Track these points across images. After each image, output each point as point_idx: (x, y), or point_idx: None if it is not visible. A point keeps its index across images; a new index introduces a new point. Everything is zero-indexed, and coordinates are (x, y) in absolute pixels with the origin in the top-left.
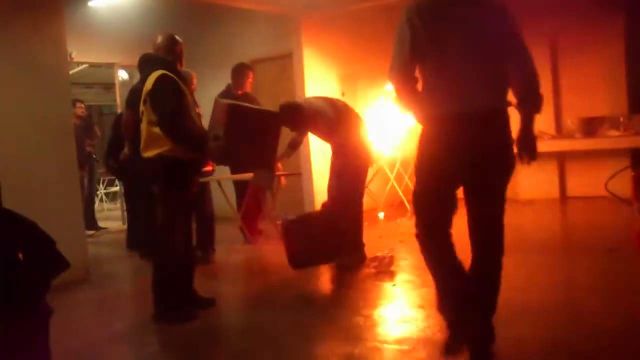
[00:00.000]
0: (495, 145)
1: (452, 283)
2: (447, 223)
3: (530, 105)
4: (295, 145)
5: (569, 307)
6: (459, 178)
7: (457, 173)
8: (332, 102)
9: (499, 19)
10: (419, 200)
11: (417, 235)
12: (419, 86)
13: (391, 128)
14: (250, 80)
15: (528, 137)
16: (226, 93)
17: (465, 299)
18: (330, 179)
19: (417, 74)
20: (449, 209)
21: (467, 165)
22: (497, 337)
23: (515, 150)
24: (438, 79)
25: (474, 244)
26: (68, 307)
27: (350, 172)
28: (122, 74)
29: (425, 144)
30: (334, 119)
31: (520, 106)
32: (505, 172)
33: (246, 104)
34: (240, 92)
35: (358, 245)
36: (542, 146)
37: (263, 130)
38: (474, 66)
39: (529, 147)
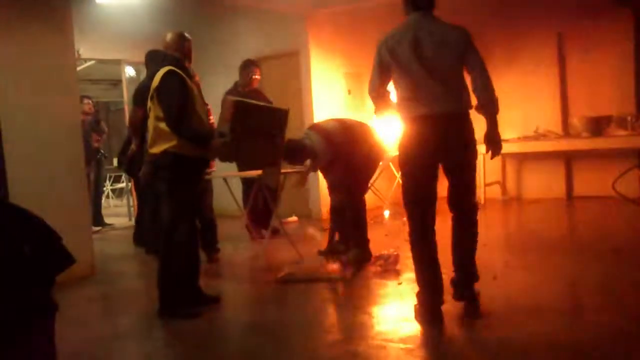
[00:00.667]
0: (456, 137)
1: (431, 257)
2: (433, 199)
3: (489, 108)
4: (310, 170)
5: (574, 307)
6: (434, 162)
7: (431, 159)
8: (339, 125)
9: (458, 37)
10: (403, 186)
11: (405, 205)
12: (393, 96)
13: (397, 126)
14: (257, 77)
15: (493, 133)
16: (233, 90)
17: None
18: (334, 179)
19: (391, 87)
20: (431, 187)
21: (437, 152)
22: (504, 339)
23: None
24: (404, 90)
25: (452, 209)
26: (73, 303)
27: (356, 174)
28: (129, 71)
29: (405, 138)
30: (330, 155)
31: (482, 109)
32: (467, 156)
33: (253, 101)
34: (246, 89)
35: (362, 242)
36: (549, 145)
37: (269, 127)
38: (432, 78)
39: (494, 142)
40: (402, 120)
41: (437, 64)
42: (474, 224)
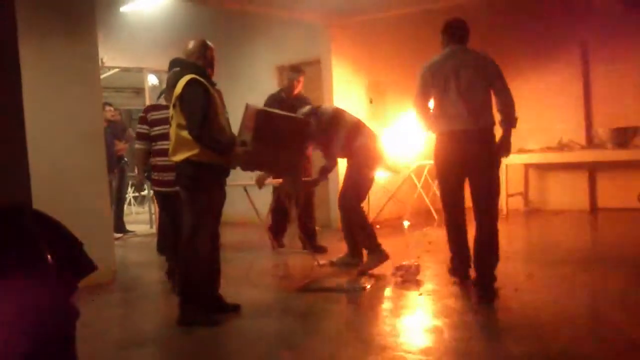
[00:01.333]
0: (482, 150)
1: (460, 238)
2: (461, 199)
3: (508, 124)
4: (325, 172)
5: (596, 320)
6: (462, 171)
7: (460, 168)
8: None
9: (487, 66)
10: (442, 185)
11: (443, 208)
12: (431, 113)
13: (418, 137)
14: (299, 83)
15: (506, 142)
16: (277, 96)
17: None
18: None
19: (431, 103)
20: (460, 190)
21: (465, 163)
22: (525, 353)
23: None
24: (441, 108)
25: (477, 214)
26: (95, 309)
27: (354, 181)
28: (152, 79)
29: (437, 150)
30: (348, 132)
31: (502, 124)
32: (491, 166)
33: (275, 110)
34: (289, 95)
35: (374, 246)
36: (572, 156)
37: (291, 136)
38: (465, 99)
39: (505, 148)
40: (437, 133)
41: (470, 89)
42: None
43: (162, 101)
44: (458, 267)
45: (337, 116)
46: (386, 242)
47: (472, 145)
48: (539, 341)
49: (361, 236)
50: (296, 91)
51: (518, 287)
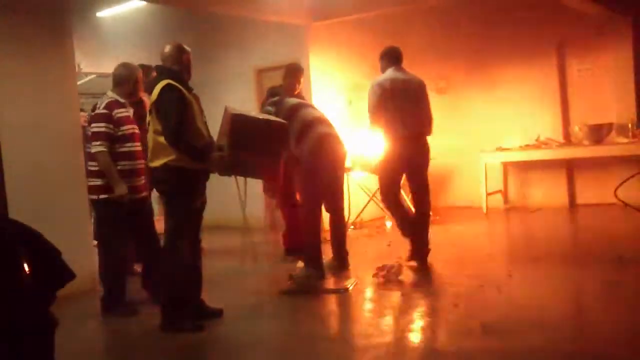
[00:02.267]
0: (421, 151)
1: (406, 218)
2: (398, 190)
3: (429, 132)
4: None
5: (577, 317)
6: (404, 169)
7: (403, 166)
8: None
9: (421, 85)
10: (384, 181)
11: (383, 200)
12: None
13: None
14: (299, 83)
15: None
16: (272, 96)
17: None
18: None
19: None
20: (399, 183)
21: (407, 162)
22: (507, 350)
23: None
24: (391, 118)
25: (415, 203)
26: (74, 317)
27: (302, 185)
28: None
29: (391, 151)
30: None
31: (426, 133)
32: (427, 163)
33: (252, 114)
34: (289, 95)
35: (312, 261)
36: (550, 154)
37: (268, 139)
38: (408, 111)
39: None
40: (392, 138)
41: (414, 102)
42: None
43: (118, 97)
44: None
45: (294, 110)
46: (368, 243)
47: (415, 147)
48: (523, 338)
49: (305, 243)
50: (297, 91)
51: (500, 285)
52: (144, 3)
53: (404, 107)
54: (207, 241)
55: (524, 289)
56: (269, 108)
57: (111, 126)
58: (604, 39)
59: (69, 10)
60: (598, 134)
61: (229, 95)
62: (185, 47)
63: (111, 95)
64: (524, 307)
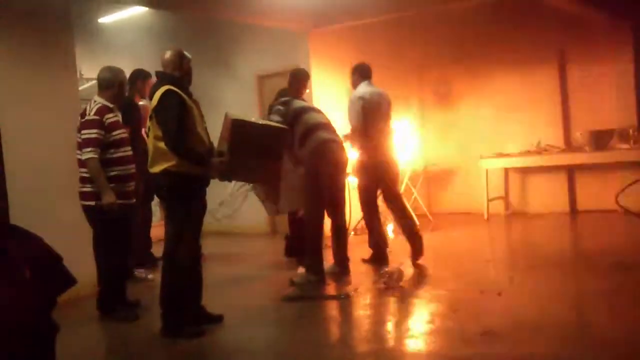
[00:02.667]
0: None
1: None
2: (376, 198)
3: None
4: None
5: (576, 322)
6: (380, 180)
7: (379, 177)
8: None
9: (390, 102)
10: (373, 185)
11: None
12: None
13: (400, 142)
14: (306, 87)
15: None
16: (282, 97)
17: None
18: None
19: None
20: (376, 191)
21: (384, 173)
22: (503, 355)
23: None
24: (375, 128)
25: (391, 207)
26: (75, 323)
27: (306, 190)
28: None
29: (372, 159)
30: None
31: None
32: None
33: (252, 119)
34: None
35: (313, 267)
36: (551, 160)
37: (268, 145)
38: (386, 123)
39: None
40: (372, 147)
41: (387, 115)
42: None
43: (105, 101)
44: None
45: (299, 113)
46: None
47: (390, 157)
48: (523, 344)
49: (307, 248)
50: (303, 95)
51: (501, 292)
52: (146, 9)
53: (379, 120)
54: (210, 246)
55: (524, 294)
56: (279, 107)
57: (102, 132)
58: (604, 45)
59: (71, 16)
60: (599, 140)
61: (231, 101)
62: (186, 53)
63: (99, 100)
64: (524, 313)
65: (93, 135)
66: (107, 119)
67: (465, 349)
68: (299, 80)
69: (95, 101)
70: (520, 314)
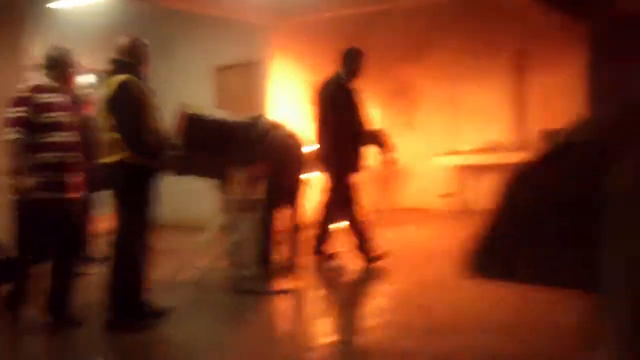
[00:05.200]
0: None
1: None
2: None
3: None
4: None
5: (520, 319)
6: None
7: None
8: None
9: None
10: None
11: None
12: None
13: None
14: (361, 67)
15: None
16: (335, 82)
17: None
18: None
19: None
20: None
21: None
22: (454, 348)
23: None
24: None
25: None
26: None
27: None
28: (88, 78)
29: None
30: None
31: None
32: None
33: (209, 114)
34: (350, 81)
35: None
36: (504, 158)
37: (223, 141)
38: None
39: None
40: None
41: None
42: None
43: (47, 81)
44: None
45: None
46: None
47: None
48: (465, 339)
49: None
50: (358, 75)
51: (445, 287)
52: None
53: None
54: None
55: (469, 291)
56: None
57: (31, 111)
58: (560, 46)
59: (21, 2)
60: (552, 138)
61: (189, 92)
62: (143, 40)
63: (38, 79)
64: (468, 309)
65: (18, 115)
66: (41, 98)
67: (408, 342)
68: (354, 59)
69: (32, 80)
70: (463, 309)
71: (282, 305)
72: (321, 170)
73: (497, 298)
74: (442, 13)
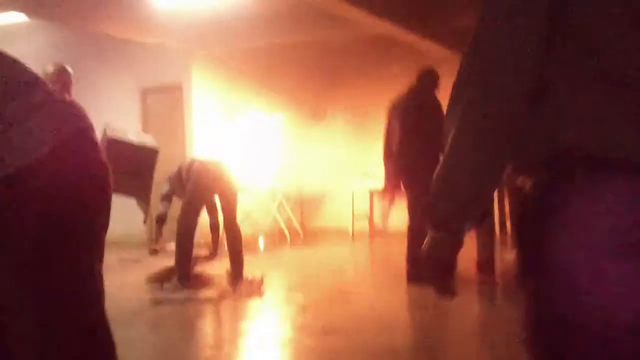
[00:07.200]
0: None
1: None
2: None
3: None
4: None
5: (405, 320)
6: None
7: None
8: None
9: None
10: None
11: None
12: None
13: (272, 159)
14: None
15: None
16: (410, 99)
17: None
18: None
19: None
20: None
21: None
22: (349, 347)
23: None
24: None
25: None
26: None
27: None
28: None
29: None
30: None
31: None
32: None
33: (126, 138)
34: (424, 97)
35: (181, 273)
36: None
37: (138, 165)
38: None
39: None
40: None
41: None
42: None
43: None
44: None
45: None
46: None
47: None
48: (358, 338)
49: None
50: (433, 92)
51: (348, 297)
52: (27, 18)
53: None
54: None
55: (370, 301)
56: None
57: None
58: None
59: None
60: None
61: (115, 114)
62: (68, 68)
63: None
64: (366, 316)
65: None
66: None
67: (307, 340)
68: (432, 78)
69: None
70: (362, 316)
71: (197, 314)
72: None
73: (393, 308)
74: (353, 44)
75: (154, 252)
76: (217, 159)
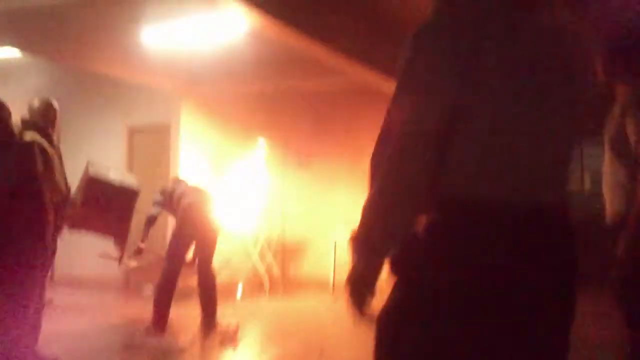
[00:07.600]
0: None
1: None
2: None
3: None
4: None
5: None
6: None
7: None
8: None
9: None
10: None
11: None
12: None
13: (255, 203)
14: None
15: None
16: None
17: None
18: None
19: None
20: None
21: None
22: None
23: None
24: None
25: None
26: None
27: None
28: None
29: None
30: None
31: None
32: None
33: (109, 176)
34: None
35: (154, 324)
36: None
37: (117, 204)
38: None
39: None
40: None
41: None
42: None
43: None
44: None
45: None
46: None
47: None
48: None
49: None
50: None
51: (323, 349)
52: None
53: None
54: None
55: (348, 356)
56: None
57: None
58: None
59: None
60: None
61: (100, 151)
62: (54, 103)
63: None
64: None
65: None
66: None
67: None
68: None
69: None
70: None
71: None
72: None
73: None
74: (339, 96)
75: (139, 251)
76: (203, 190)
